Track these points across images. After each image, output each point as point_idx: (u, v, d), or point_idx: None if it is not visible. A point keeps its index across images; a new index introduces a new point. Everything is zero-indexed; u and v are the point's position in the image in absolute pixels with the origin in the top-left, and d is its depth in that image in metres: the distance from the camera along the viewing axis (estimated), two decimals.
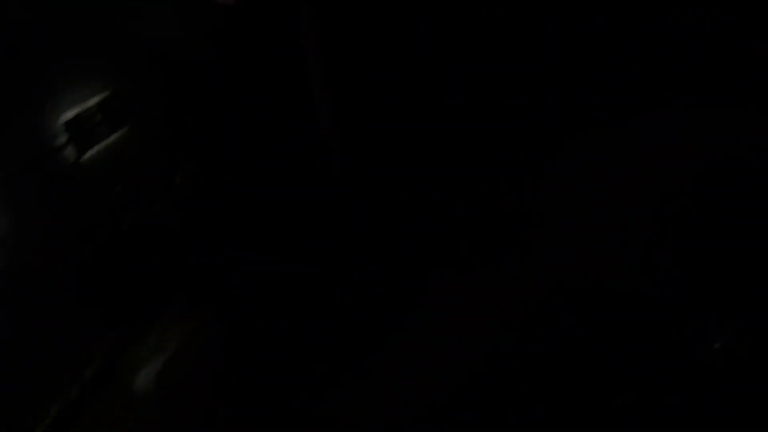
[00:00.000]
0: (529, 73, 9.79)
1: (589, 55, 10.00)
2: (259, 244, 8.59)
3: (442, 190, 8.95)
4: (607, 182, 7.98)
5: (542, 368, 5.68)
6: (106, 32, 11.78)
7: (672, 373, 5.09)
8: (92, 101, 11.98)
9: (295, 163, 9.59)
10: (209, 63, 10.50)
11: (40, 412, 7.19)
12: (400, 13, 9.83)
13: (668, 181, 7.41)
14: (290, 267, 8.26)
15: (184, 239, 8.69)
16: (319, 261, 8.15)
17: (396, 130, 10.32)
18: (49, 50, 11.01)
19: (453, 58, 10.00)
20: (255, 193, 9.66)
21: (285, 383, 6.65)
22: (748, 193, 6.56)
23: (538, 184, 8.26)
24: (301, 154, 9.76)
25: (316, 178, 9.51)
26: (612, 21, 9.97)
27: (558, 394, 5.43)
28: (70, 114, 11.28)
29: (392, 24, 9.64)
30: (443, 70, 9.94)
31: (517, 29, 9.90)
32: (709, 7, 9.08)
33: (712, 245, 6.35)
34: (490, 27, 9.90)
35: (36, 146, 10.43)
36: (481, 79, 10.19)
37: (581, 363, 5.78)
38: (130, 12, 11.69)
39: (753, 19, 8.94)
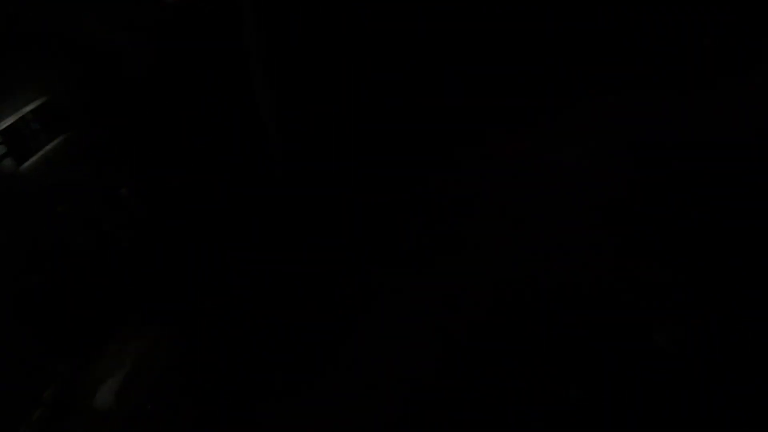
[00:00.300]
0: (452, 70, 9.93)
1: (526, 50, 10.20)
2: (226, 248, 8.59)
3: (365, 183, 9.09)
4: (541, 172, 8.18)
5: (502, 365, 5.95)
6: (41, 35, 11.39)
7: (616, 367, 5.41)
8: (28, 108, 11.62)
9: (237, 163, 9.56)
10: (151, 63, 10.27)
11: None
12: (333, 15, 9.82)
13: (600, 167, 7.67)
14: (247, 270, 8.34)
15: (136, 255, 8.60)
16: (263, 261, 8.26)
17: (333, 127, 10.36)
18: None
19: (391, 60, 10.09)
20: (200, 197, 9.60)
21: (252, 387, 6.80)
22: (678, 176, 6.86)
23: (465, 176, 8.42)
24: (242, 154, 9.72)
25: (257, 177, 9.50)
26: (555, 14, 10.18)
27: (519, 389, 5.70)
28: (5, 123, 10.94)
29: (328, 23, 9.62)
30: (379, 71, 10.03)
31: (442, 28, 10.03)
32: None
33: (650, 232, 6.66)
34: (405, 27, 10.02)
35: None
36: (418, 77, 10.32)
37: (536, 356, 6.07)
38: (68, 12, 11.30)
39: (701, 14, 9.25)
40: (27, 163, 10.92)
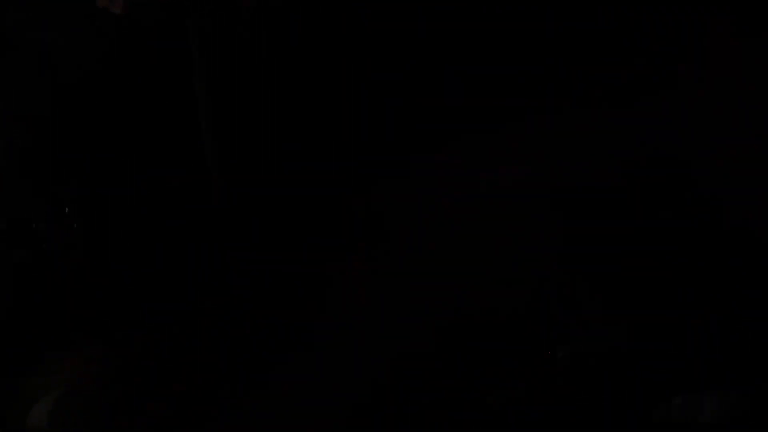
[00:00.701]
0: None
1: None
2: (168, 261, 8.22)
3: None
4: (493, 183, 7.99)
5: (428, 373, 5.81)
6: None
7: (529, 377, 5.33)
8: None
9: (179, 178, 9.25)
10: (90, 69, 10.01)
11: None
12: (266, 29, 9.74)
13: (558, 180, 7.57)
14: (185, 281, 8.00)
15: (75, 270, 8.16)
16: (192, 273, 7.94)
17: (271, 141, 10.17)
18: None
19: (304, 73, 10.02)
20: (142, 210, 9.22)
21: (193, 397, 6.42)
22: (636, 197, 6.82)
23: (398, 187, 8.20)
24: (184, 169, 9.42)
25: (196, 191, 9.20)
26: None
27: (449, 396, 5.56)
28: None
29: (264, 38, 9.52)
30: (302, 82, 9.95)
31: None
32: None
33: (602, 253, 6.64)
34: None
35: None
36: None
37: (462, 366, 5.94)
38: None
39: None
40: None
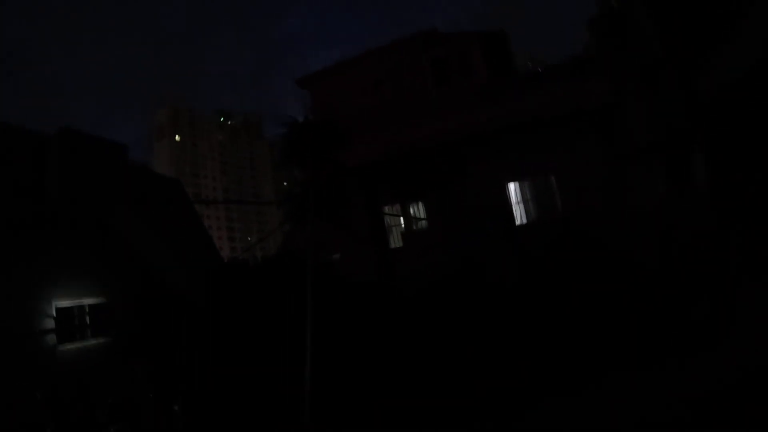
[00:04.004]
0: None
1: None
2: None
3: None
4: None
5: None
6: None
7: None
8: (86, 301, 13.64)
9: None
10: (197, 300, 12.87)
11: None
12: None
13: None
14: None
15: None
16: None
17: None
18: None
19: None
20: None
21: None
22: None
23: None
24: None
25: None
26: None
27: None
28: (62, 304, 12.81)
29: None
30: None
31: None
32: None
33: None
34: None
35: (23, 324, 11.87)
36: None
37: None
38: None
39: None
40: (65, 346, 12.91)
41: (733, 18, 6.17)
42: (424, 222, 19.11)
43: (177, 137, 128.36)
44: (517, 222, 17.60)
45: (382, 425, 8.81)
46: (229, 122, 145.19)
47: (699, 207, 10.18)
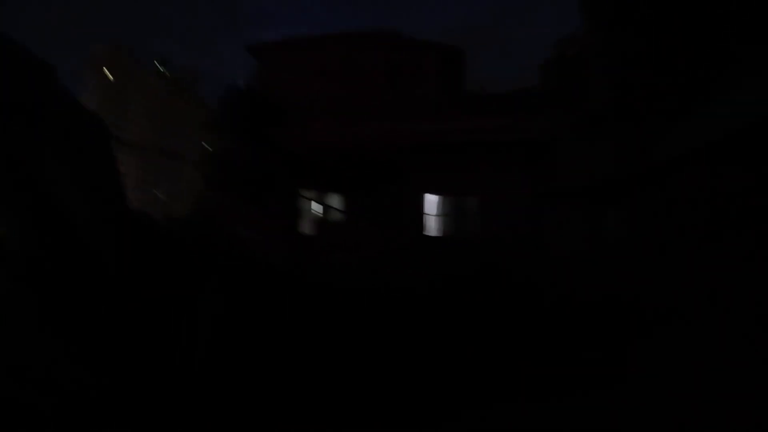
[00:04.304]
0: None
1: None
2: None
3: None
4: None
5: None
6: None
7: None
8: None
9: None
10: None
11: None
12: None
13: None
14: None
15: None
16: None
17: None
18: None
19: None
20: None
21: None
22: None
23: None
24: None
25: None
26: None
27: None
28: None
29: None
30: None
31: None
32: None
33: None
34: None
35: None
36: None
37: None
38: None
39: None
40: None
41: (692, 99, 6.41)
42: (341, 215, 18.95)
43: (110, 75, 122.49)
44: (431, 233, 17.82)
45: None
46: (166, 72, 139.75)
47: (615, 257, 10.61)
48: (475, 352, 11.75)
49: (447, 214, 17.82)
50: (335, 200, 19.09)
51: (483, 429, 8.46)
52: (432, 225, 17.84)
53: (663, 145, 7.28)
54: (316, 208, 19.19)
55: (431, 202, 17.95)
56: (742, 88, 5.37)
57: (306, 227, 18.93)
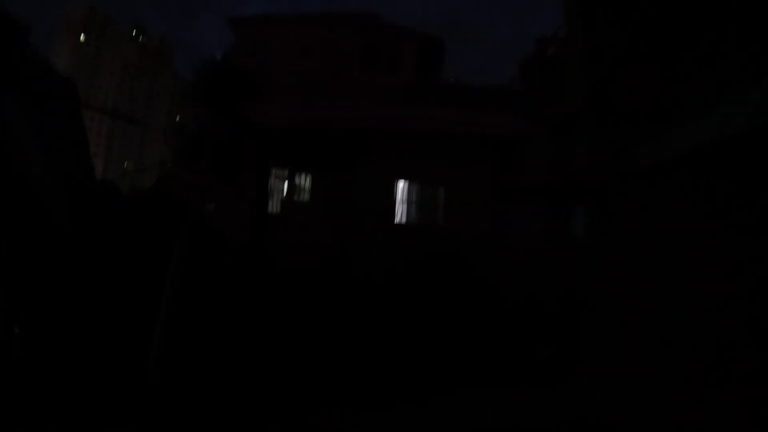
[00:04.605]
0: None
1: None
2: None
3: None
4: None
5: None
6: None
7: None
8: None
9: None
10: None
11: None
12: None
13: None
14: None
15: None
16: None
17: None
18: None
19: None
20: None
21: None
22: None
23: None
24: None
25: None
26: None
27: None
28: None
29: None
30: None
31: None
32: None
33: None
34: None
35: None
36: None
37: None
38: None
39: None
40: None
41: (671, 107, 6.41)
42: (307, 195, 18.81)
43: (83, 37, 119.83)
44: (396, 220, 17.85)
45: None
46: (141, 39, 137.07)
47: (575, 258, 10.74)
48: (427, 340, 11.87)
49: (413, 202, 17.87)
50: (302, 180, 18.94)
51: (441, 414, 8.58)
52: (398, 212, 17.87)
53: (636, 152, 7.31)
54: (283, 186, 19.04)
55: (400, 189, 17.97)
56: (724, 97, 5.39)
57: (271, 205, 18.77)
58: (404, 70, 18.63)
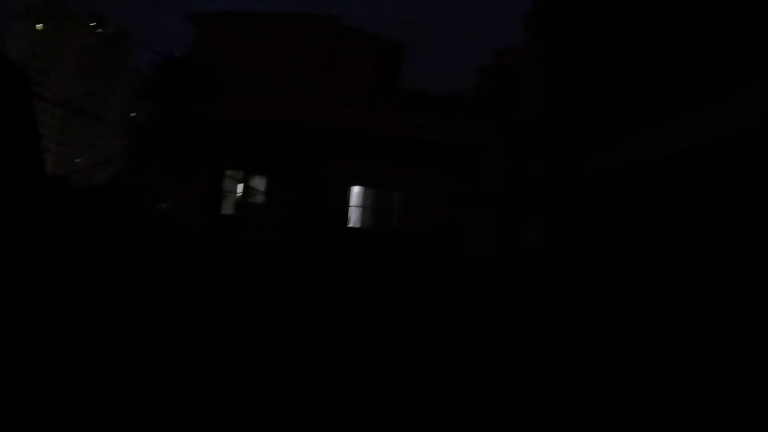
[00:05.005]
0: None
1: None
2: None
3: None
4: None
5: None
6: None
7: None
8: None
9: None
10: None
11: None
12: None
13: None
14: None
15: None
16: None
17: None
18: None
19: None
20: None
21: None
22: None
23: None
24: None
25: None
26: None
27: None
28: None
29: None
30: None
31: None
32: None
33: None
34: None
35: None
36: None
37: None
38: None
39: None
40: None
41: (625, 121, 6.55)
42: (261, 197, 18.66)
43: (40, 25, 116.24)
44: (351, 223, 17.95)
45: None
46: (100, 30, 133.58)
47: (529, 265, 10.89)
48: (380, 342, 11.90)
49: (368, 206, 17.91)
50: (257, 180, 18.80)
51: (390, 415, 8.60)
52: (354, 215, 17.89)
53: (583, 165, 7.47)
54: (237, 185, 18.83)
55: (356, 192, 17.99)
56: (659, 120, 5.56)
57: (225, 204, 18.55)
58: (365, 73, 18.72)
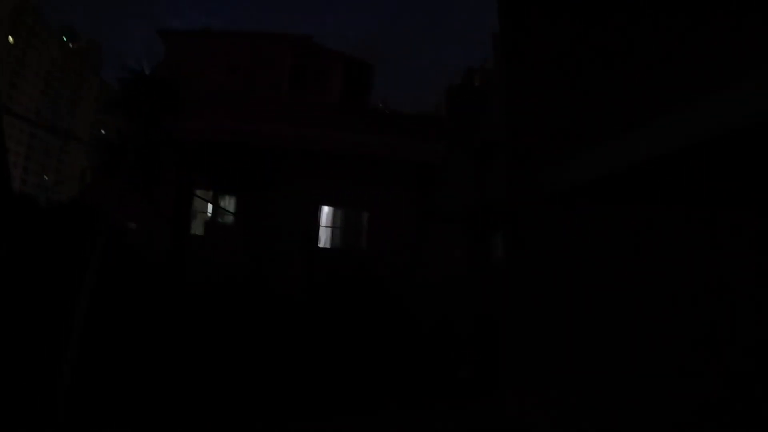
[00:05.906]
0: None
1: None
2: None
3: None
4: None
5: None
6: None
7: None
8: None
9: None
10: None
11: None
12: None
13: None
14: None
15: None
16: None
17: None
18: None
19: None
20: None
21: None
22: None
23: None
24: None
25: None
26: None
27: None
28: None
29: None
30: None
31: None
32: None
33: None
34: None
35: None
36: None
37: None
38: None
39: None
40: None
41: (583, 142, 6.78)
42: (231, 217, 18.64)
43: (10, 38, 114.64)
44: (320, 244, 17.93)
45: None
46: (71, 45, 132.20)
47: (493, 282, 11.11)
48: (345, 360, 11.94)
49: (337, 226, 18.00)
50: (227, 200, 18.78)
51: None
52: (322, 234, 17.95)
53: (540, 181, 7.70)
54: (204, 205, 18.78)
55: (324, 212, 18.08)
56: (604, 138, 5.81)
57: (196, 224, 18.44)
58: (332, 92, 18.89)
